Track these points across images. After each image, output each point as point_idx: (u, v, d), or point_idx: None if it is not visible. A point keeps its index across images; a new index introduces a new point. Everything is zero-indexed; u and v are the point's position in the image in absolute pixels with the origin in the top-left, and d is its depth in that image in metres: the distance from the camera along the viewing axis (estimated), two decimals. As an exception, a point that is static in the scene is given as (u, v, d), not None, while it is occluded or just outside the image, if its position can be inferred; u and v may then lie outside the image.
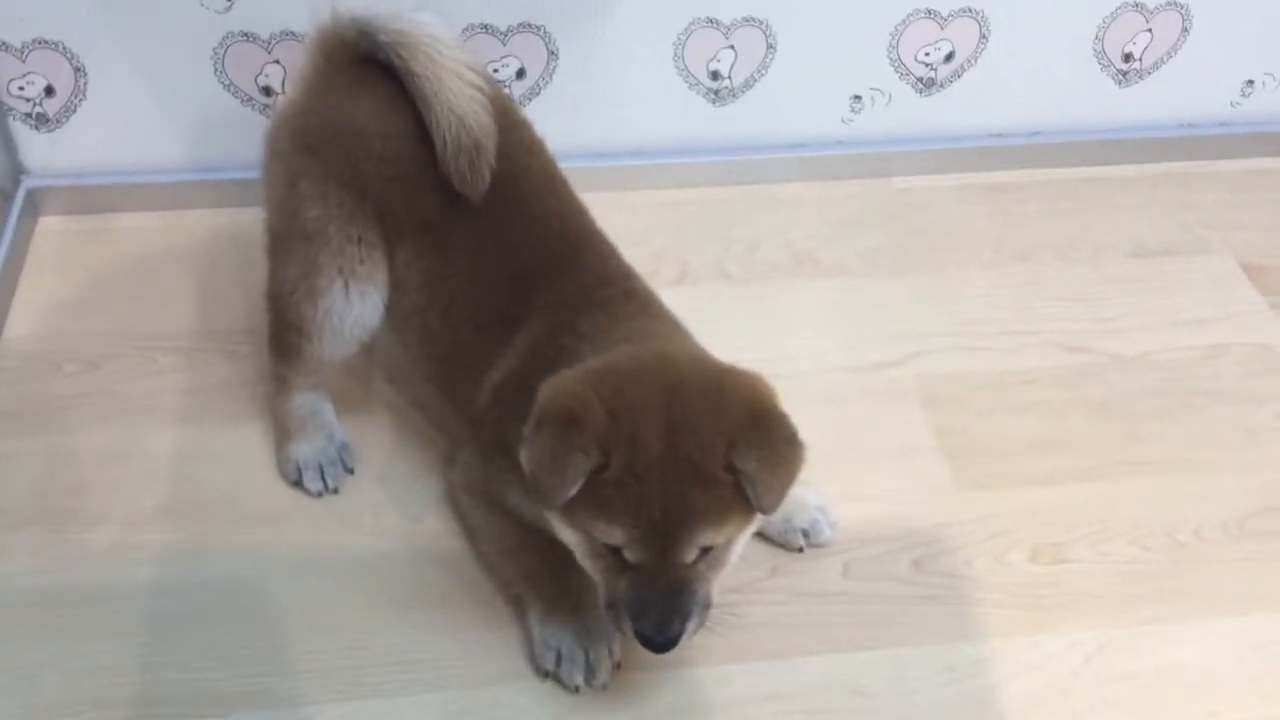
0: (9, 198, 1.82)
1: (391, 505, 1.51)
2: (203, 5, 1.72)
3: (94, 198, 1.87)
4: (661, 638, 1.17)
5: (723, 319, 1.60)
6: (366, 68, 1.40)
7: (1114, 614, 1.43)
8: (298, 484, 1.52)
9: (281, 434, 1.54)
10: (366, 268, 1.41)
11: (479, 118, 1.34)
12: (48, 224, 1.87)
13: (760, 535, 1.47)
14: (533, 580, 1.37)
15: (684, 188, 1.97)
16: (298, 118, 1.42)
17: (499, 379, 1.34)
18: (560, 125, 1.59)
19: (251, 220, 1.82)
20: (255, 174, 1.78)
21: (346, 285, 1.41)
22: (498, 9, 1.76)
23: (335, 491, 1.52)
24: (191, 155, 1.88)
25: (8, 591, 1.39)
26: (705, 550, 1.17)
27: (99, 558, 1.43)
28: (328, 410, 1.56)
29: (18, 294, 1.75)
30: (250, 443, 1.57)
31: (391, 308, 1.45)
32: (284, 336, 1.47)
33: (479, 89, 1.35)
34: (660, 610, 1.17)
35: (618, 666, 1.34)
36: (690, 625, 1.18)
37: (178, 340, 1.69)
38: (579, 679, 1.32)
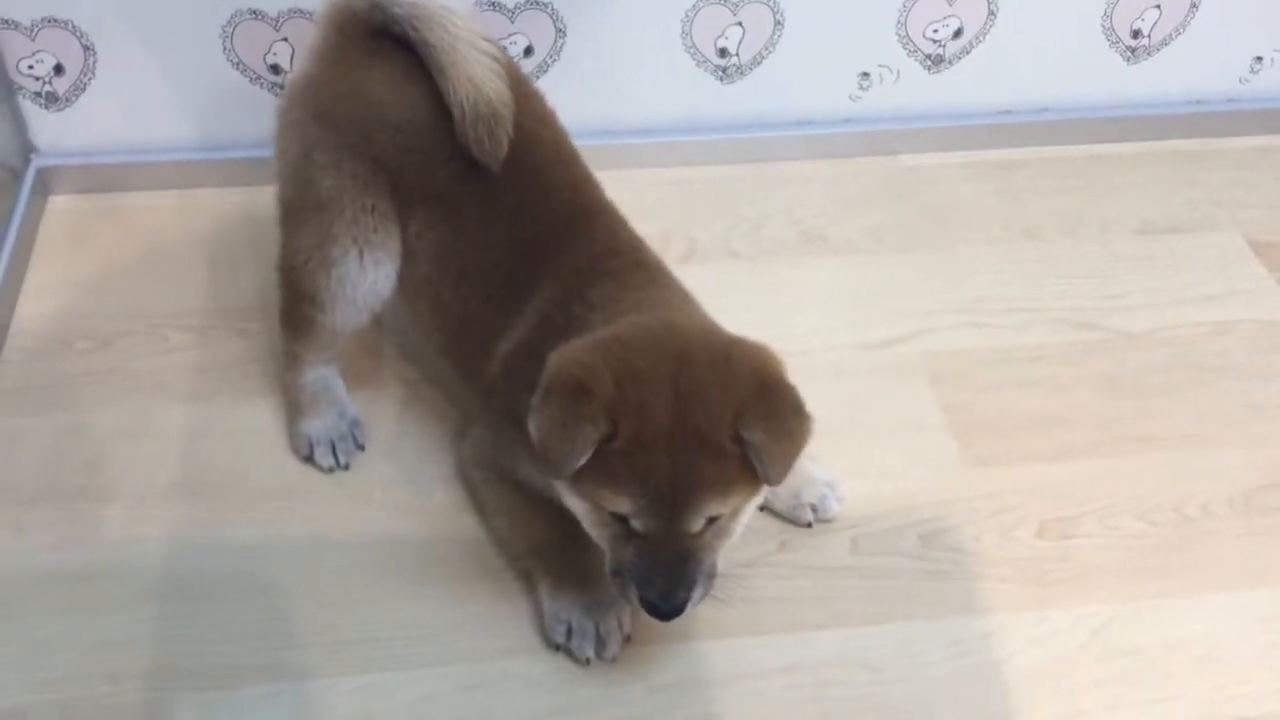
0: (19, 177, 1.83)
1: (402, 481, 1.52)
2: (211, -17, 1.73)
3: (104, 176, 1.88)
4: (667, 605, 1.18)
5: (730, 296, 1.59)
6: (379, 40, 1.40)
7: (1121, 589, 1.43)
8: (309, 459, 1.52)
9: (293, 410, 1.55)
10: (380, 236, 1.42)
11: (496, 86, 1.34)
12: (58, 203, 1.87)
13: (768, 510, 1.48)
14: (543, 554, 1.38)
15: (691, 165, 1.97)
16: (311, 89, 1.43)
17: (509, 349, 1.35)
18: (568, 102, 1.59)
19: (261, 199, 1.82)
20: (265, 152, 1.78)
21: (361, 254, 1.42)
22: (505, -13, 1.76)
23: (346, 467, 1.53)
24: (201, 134, 1.89)
25: (20, 567, 1.40)
26: (711, 520, 1.18)
27: (111, 534, 1.44)
28: (339, 386, 1.56)
29: (29, 273, 1.76)
30: (261, 419, 1.58)
31: (403, 279, 1.45)
32: (297, 309, 1.48)
33: (494, 58, 1.35)
34: (666, 579, 1.18)
35: (628, 639, 1.35)
36: (695, 594, 1.19)
37: (189, 318, 1.70)
38: (589, 651, 1.33)
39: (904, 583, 1.43)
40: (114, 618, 1.36)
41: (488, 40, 1.37)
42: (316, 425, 1.53)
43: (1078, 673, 1.36)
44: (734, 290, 1.78)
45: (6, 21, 1.73)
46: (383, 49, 1.40)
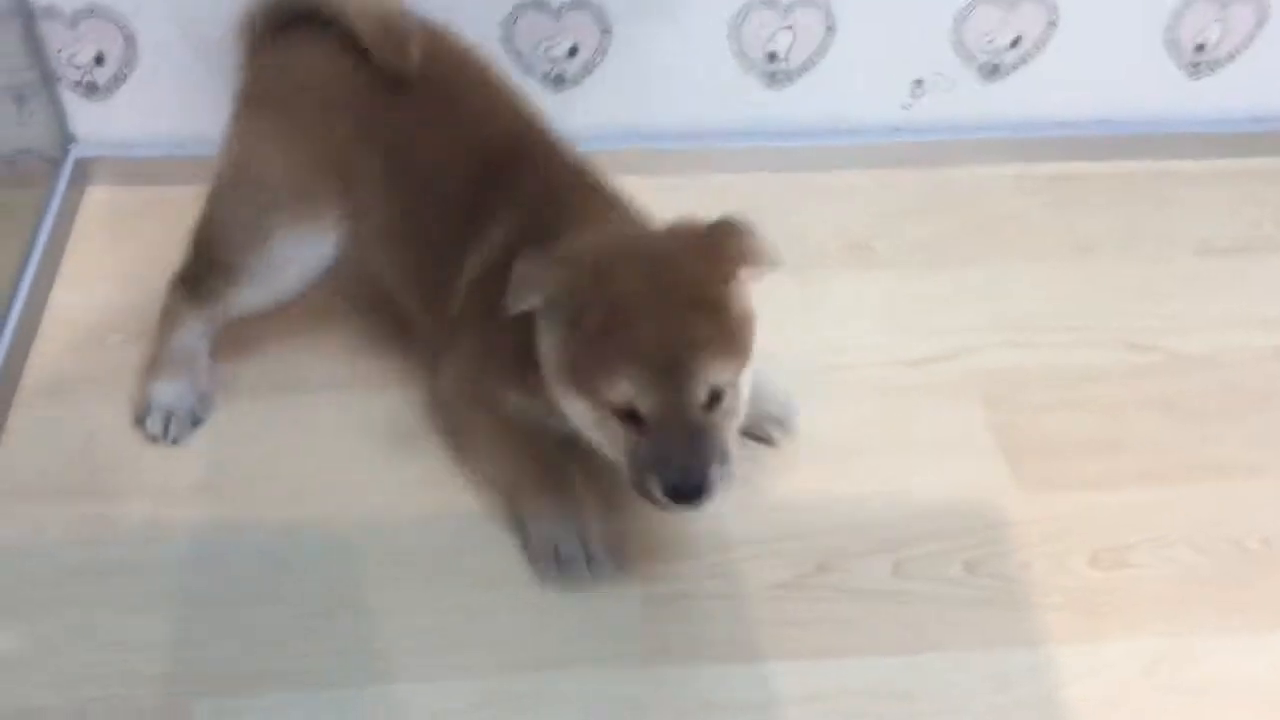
0: (58, 166, 1.81)
1: (431, 484, 1.48)
2: (254, -25, 1.70)
3: (142, 169, 1.86)
4: (690, 484, 1.18)
5: (772, 308, 1.55)
6: (292, 30, 1.48)
7: (1176, 622, 1.37)
8: (140, 422, 1.51)
9: (151, 365, 1.54)
10: (315, 208, 1.45)
11: (388, 5, 1.41)
12: (95, 194, 1.86)
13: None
14: (525, 480, 1.40)
15: (737, 173, 1.92)
16: (246, 85, 1.51)
17: (475, 277, 1.36)
18: (612, 106, 1.57)
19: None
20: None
21: (295, 226, 1.45)
22: (550, -14, 1.73)
23: (174, 442, 1.50)
24: (240, 129, 1.86)
25: (42, 563, 1.38)
26: (716, 398, 1.19)
27: (134, 531, 1.41)
28: (204, 356, 1.55)
29: (64, 263, 1.74)
30: (291, 417, 1.54)
31: (356, 236, 1.47)
32: (205, 279, 1.49)
33: None
34: (683, 457, 1.18)
35: (618, 556, 1.38)
36: (715, 473, 1.19)
37: (221, 315, 1.67)
38: (580, 571, 1.36)
39: (947, 610, 1.38)
40: (134, 618, 1.33)
41: None
42: (164, 389, 1.52)
43: (1128, 709, 1.30)
44: (776, 302, 1.71)
45: (48, 10, 1.71)
46: (297, 36, 1.47)
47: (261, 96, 1.48)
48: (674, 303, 1.18)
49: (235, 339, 1.61)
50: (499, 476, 1.44)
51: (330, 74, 1.44)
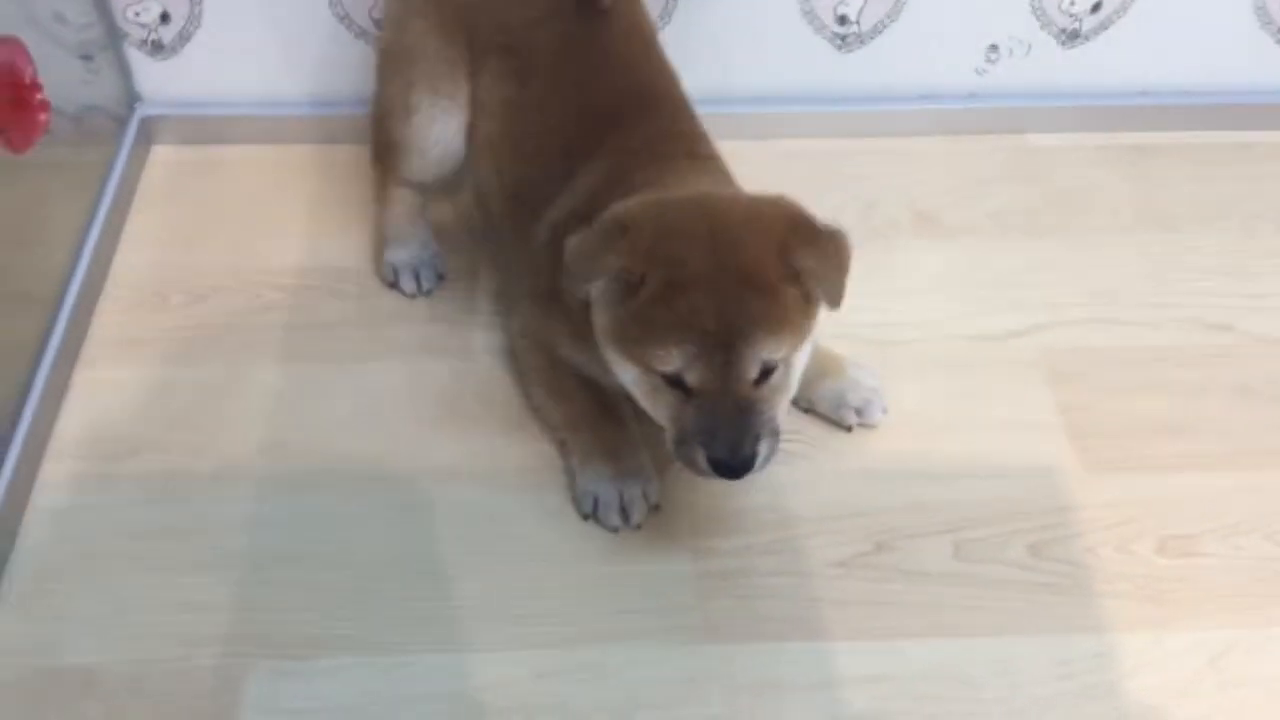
0: (123, 125, 1.82)
1: (491, 452, 1.47)
2: (320, -66, 1.69)
3: (206, 128, 1.86)
4: (736, 459, 1.18)
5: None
6: None
7: (1244, 614, 1.34)
8: (394, 285, 1.64)
9: (380, 240, 1.66)
10: (450, 86, 1.50)
11: None
12: (160, 153, 1.86)
13: (811, 413, 1.50)
14: (576, 426, 1.43)
15: (805, 138, 1.88)
16: None
17: (558, 218, 1.36)
18: (679, 69, 1.53)
19: (363, 156, 1.80)
20: (368, 109, 1.76)
21: (433, 104, 1.50)
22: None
23: (429, 293, 1.64)
24: (305, 88, 1.86)
25: (107, 522, 1.39)
26: (767, 373, 1.19)
27: (198, 491, 1.42)
28: (424, 225, 1.66)
29: (128, 222, 1.75)
30: (352, 382, 1.55)
31: (471, 137, 1.52)
32: (383, 153, 1.58)
33: None
34: (729, 432, 1.17)
35: (656, 508, 1.39)
36: (762, 448, 1.19)
37: (283, 276, 1.68)
38: (616, 521, 1.38)
39: (1010, 594, 1.35)
40: (196, 578, 1.34)
41: None
42: (401, 254, 1.64)
43: (1193, 700, 1.27)
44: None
45: (115, -32, 1.72)
46: None
47: None
48: (729, 279, 1.16)
49: (305, 309, 1.64)
50: (554, 420, 1.46)
51: None
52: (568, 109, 1.42)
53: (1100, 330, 1.64)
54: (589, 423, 1.42)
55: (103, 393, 1.53)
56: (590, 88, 1.42)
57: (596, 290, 1.23)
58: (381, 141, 1.57)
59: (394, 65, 1.54)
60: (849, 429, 1.48)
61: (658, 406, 1.23)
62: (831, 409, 1.49)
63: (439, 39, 1.50)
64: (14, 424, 1.42)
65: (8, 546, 1.36)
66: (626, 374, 1.24)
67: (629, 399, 1.30)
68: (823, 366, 1.48)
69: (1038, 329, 1.63)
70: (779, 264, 1.17)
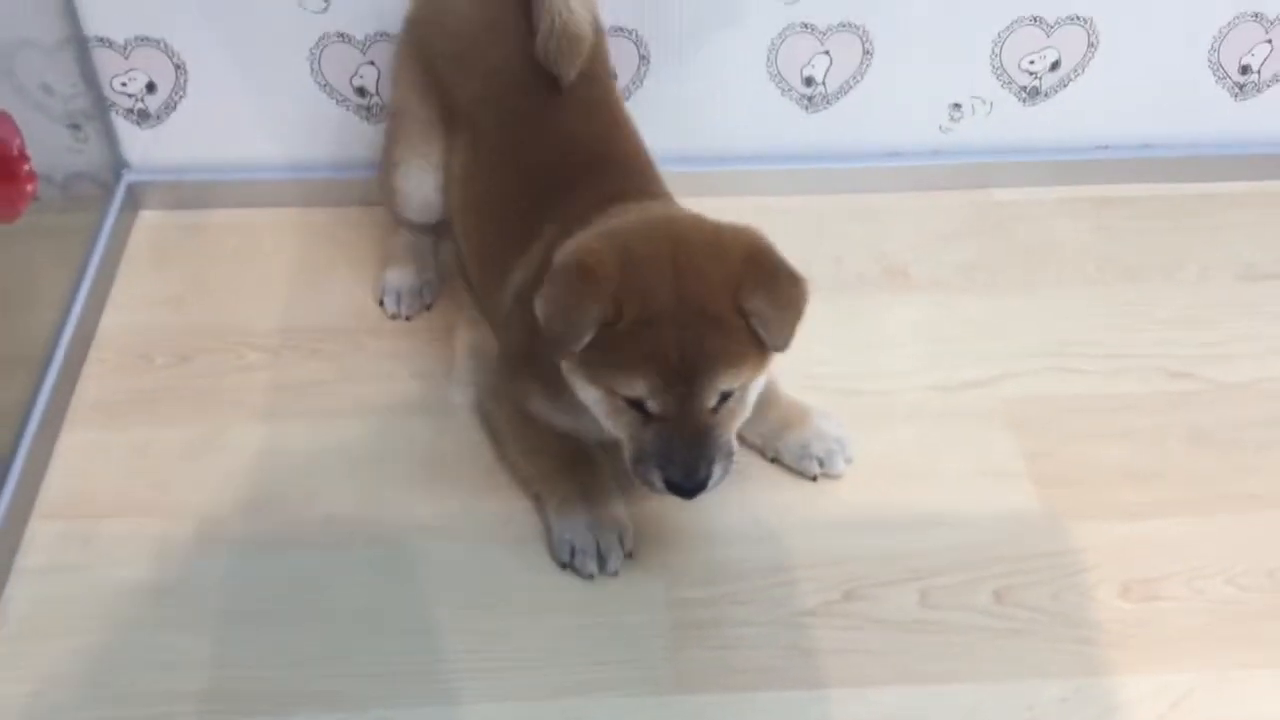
0: (110, 191, 1.86)
1: (464, 512, 1.50)
2: (301, 6, 1.74)
3: (192, 193, 1.91)
4: (690, 483, 1.24)
5: (807, 331, 1.56)
6: None
7: (1207, 657, 1.36)
8: (381, 304, 1.73)
9: (384, 259, 1.76)
10: (425, 146, 1.60)
11: (586, 11, 1.47)
12: (147, 218, 1.91)
13: (777, 462, 1.53)
14: (550, 479, 1.46)
15: (775, 195, 1.93)
16: (411, 6, 1.63)
17: (519, 281, 1.41)
18: (650, 129, 1.58)
19: (344, 219, 1.84)
20: (350, 173, 1.82)
21: (411, 161, 1.62)
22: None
23: (408, 319, 1.72)
24: (288, 153, 1.91)
25: (89, 581, 1.42)
26: (724, 397, 1.24)
27: (178, 550, 1.45)
28: (427, 251, 1.76)
29: (115, 286, 1.79)
30: (331, 440, 1.58)
31: (446, 199, 1.63)
32: (384, 193, 1.71)
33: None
34: (686, 456, 1.24)
35: (629, 555, 1.42)
36: (716, 470, 1.25)
37: (266, 337, 1.71)
38: (592, 568, 1.41)
39: (976, 640, 1.37)
40: (176, 636, 1.36)
41: None
42: (394, 275, 1.74)
43: (1157, 745, 1.29)
44: (811, 325, 1.72)
45: (101, 40, 1.77)
46: None
47: (411, 40, 1.61)
48: (690, 312, 1.20)
49: (286, 368, 1.67)
50: (528, 475, 1.49)
51: (458, 10, 1.55)
52: (522, 180, 1.48)
53: (1064, 379, 1.67)
54: (565, 473, 1.46)
55: (87, 454, 1.56)
56: (545, 155, 1.47)
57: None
58: (382, 183, 1.71)
59: (391, 119, 1.68)
60: (813, 479, 1.52)
61: (618, 425, 1.29)
62: (795, 460, 1.52)
63: (416, 100, 1.60)
64: (0, 486, 1.45)
65: (-8, 606, 1.38)
66: (589, 395, 1.29)
67: (603, 445, 1.35)
68: (787, 417, 1.51)
69: (1003, 378, 1.67)
70: (734, 301, 1.21)
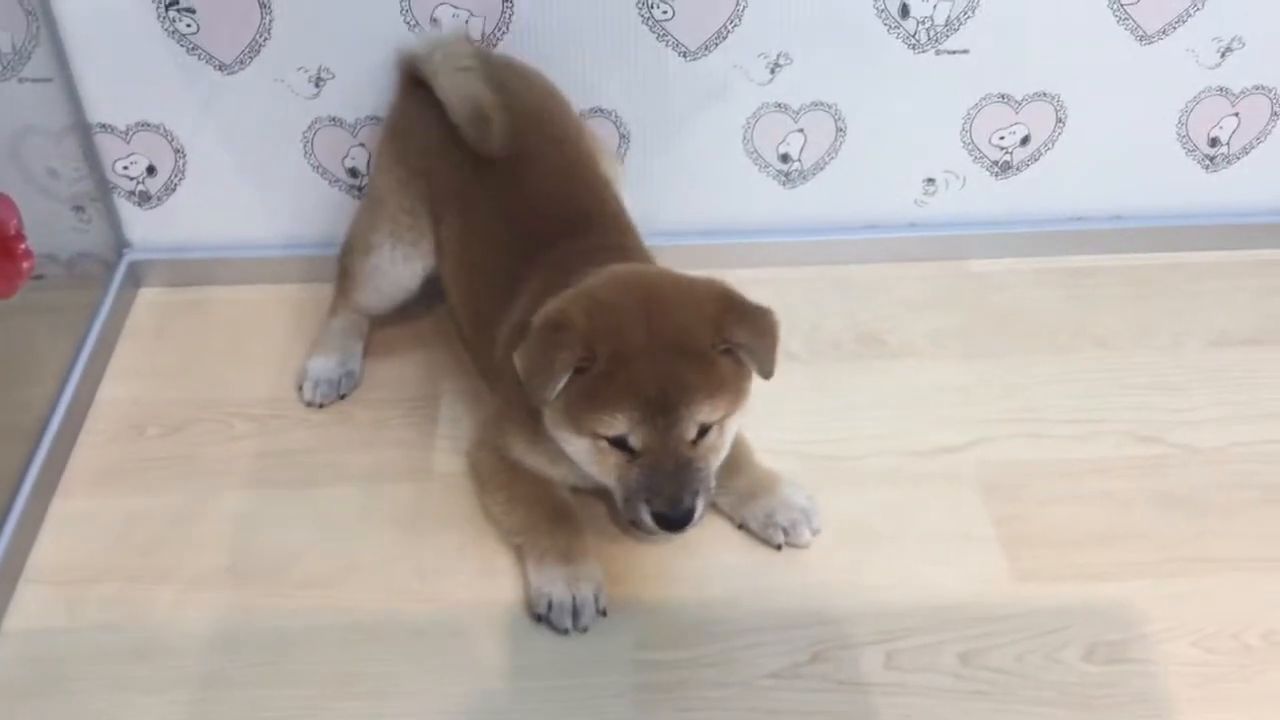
0: (112, 270, 1.93)
1: (443, 573, 1.53)
2: (293, 92, 1.82)
3: (191, 271, 1.98)
4: (676, 514, 1.32)
5: (784, 399, 1.60)
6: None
7: (1170, 719, 1.36)
8: (298, 389, 1.77)
9: (312, 344, 1.81)
10: (412, 235, 1.69)
11: (471, 93, 1.58)
12: (147, 294, 1.98)
13: (742, 529, 1.56)
14: (531, 532, 1.51)
15: (753, 268, 1.96)
16: (388, 112, 1.76)
17: (504, 334, 1.49)
18: (630, 205, 1.64)
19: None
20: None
21: (394, 248, 1.70)
22: (570, 94, 1.80)
23: (322, 407, 1.75)
24: (282, 232, 1.98)
25: (74, 644, 1.46)
26: (703, 432, 1.33)
27: (160, 614, 1.49)
28: (355, 343, 1.81)
29: (113, 360, 1.85)
30: (313, 507, 1.62)
31: (440, 270, 1.70)
32: (341, 279, 1.79)
33: (471, 69, 1.60)
34: (671, 488, 1.32)
35: (603, 613, 1.46)
36: (699, 504, 1.33)
37: (255, 407, 1.77)
38: (567, 623, 1.45)
39: (940, 703, 1.39)
40: (157, 698, 1.39)
41: (468, 56, 1.62)
42: (316, 363, 1.78)
43: (1122, 807, 1.30)
44: (788, 393, 1.75)
45: (104, 126, 1.85)
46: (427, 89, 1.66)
47: (392, 131, 1.74)
48: (665, 348, 1.30)
49: (274, 437, 1.71)
50: (511, 526, 1.54)
51: (439, 129, 1.63)
52: (507, 242, 1.57)
53: (1035, 444, 1.70)
54: (545, 528, 1.51)
55: (77, 521, 1.60)
56: (525, 217, 1.56)
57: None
58: (342, 268, 1.79)
59: (368, 205, 1.76)
60: (778, 548, 1.54)
61: (605, 471, 1.37)
62: (760, 528, 1.54)
63: (402, 192, 1.70)
64: (-10, 551, 1.49)
65: (-21, 668, 1.42)
66: (575, 446, 1.37)
67: (593, 491, 1.43)
68: (756, 484, 1.55)
69: (975, 444, 1.70)
70: (713, 335, 1.31)
